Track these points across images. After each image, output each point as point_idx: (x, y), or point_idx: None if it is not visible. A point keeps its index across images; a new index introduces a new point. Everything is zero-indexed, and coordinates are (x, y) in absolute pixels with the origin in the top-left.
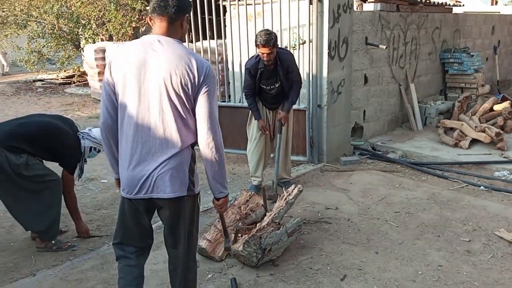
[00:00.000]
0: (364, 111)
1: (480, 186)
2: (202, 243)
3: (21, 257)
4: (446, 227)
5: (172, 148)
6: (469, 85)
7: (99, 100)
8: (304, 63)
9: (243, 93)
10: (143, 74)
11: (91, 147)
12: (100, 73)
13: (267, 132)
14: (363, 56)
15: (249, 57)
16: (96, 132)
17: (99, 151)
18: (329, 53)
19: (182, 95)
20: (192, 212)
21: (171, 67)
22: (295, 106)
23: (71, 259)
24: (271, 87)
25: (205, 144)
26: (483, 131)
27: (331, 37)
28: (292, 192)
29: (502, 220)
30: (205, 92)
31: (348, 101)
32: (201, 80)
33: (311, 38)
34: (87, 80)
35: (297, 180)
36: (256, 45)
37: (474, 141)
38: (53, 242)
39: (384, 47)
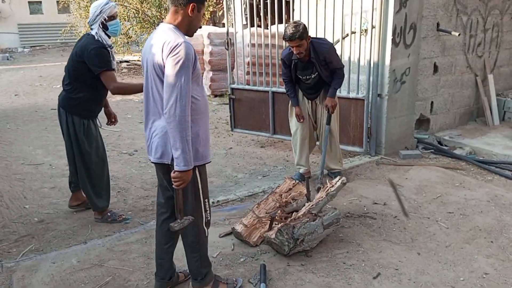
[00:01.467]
0: (432, 102)
1: None
2: (238, 227)
3: (80, 225)
4: (502, 232)
5: (160, 120)
6: None
7: None
8: (366, 50)
9: (283, 81)
10: (145, 58)
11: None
12: None
13: (302, 120)
14: (433, 43)
15: (286, 47)
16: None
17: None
18: (393, 40)
19: (159, 73)
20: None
21: (154, 50)
22: (353, 95)
23: (122, 231)
24: (307, 77)
25: (165, 112)
26: None
27: (396, 23)
28: (335, 184)
29: None
30: (168, 65)
31: (413, 91)
32: (166, 56)
33: (374, 24)
34: None
35: (349, 171)
36: (284, 39)
37: None
38: (108, 214)
39: (457, 34)
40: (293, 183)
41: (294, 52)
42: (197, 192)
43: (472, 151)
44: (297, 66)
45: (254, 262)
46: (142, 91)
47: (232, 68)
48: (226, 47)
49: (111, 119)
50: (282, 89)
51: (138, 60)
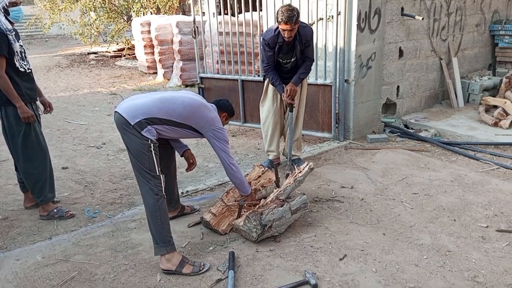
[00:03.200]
0: (398, 86)
1: None
2: (207, 216)
3: (45, 221)
4: (464, 211)
5: None
6: None
7: (145, 73)
8: (332, 36)
9: (262, 68)
10: None
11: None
12: (146, 46)
13: (294, 105)
14: (398, 28)
15: (268, 29)
16: None
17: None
18: (358, 25)
19: None
20: (138, 149)
21: None
22: (320, 81)
23: (89, 225)
24: (287, 61)
25: None
26: None
27: (361, 8)
28: (302, 170)
29: None
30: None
31: (379, 76)
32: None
33: (339, 9)
34: (135, 53)
35: (318, 157)
36: (278, 22)
37: None
38: (55, 210)
39: (421, 18)
40: (262, 170)
41: (286, 35)
42: (146, 165)
43: (437, 133)
44: (281, 49)
45: (223, 250)
46: (14, 101)
47: (202, 57)
48: (194, 36)
49: (47, 108)
50: (252, 77)
51: (107, 52)
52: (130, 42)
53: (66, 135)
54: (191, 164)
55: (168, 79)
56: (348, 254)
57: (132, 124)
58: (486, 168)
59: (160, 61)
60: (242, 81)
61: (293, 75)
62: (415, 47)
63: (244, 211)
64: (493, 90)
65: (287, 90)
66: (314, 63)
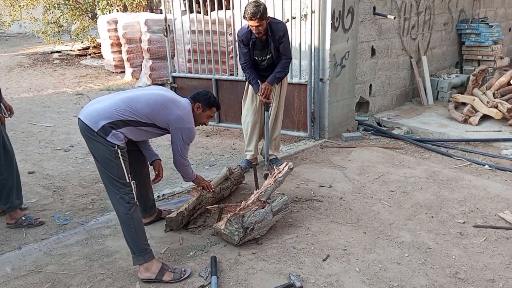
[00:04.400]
0: (371, 85)
1: (484, 165)
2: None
3: (13, 230)
4: (441, 207)
5: None
6: (486, 57)
7: (113, 72)
8: (306, 35)
9: (241, 66)
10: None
11: None
12: (113, 45)
13: (271, 104)
14: (371, 27)
15: (242, 26)
16: None
17: None
18: (332, 24)
19: None
20: (104, 156)
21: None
22: (296, 80)
23: (60, 233)
24: (263, 58)
25: None
26: (495, 107)
27: (334, 7)
28: (282, 170)
29: (502, 201)
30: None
31: (352, 75)
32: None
33: (313, 8)
34: (101, 52)
35: (295, 156)
36: (244, 18)
37: (485, 117)
38: (23, 218)
39: (393, 17)
40: (230, 171)
41: (254, 31)
42: (115, 172)
43: (409, 131)
44: (255, 46)
45: (204, 254)
46: None
47: (173, 56)
48: (165, 34)
49: (7, 111)
50: (226, 77)
51: (71, 50)
52: (95, 40)
53: (31, 138)
54: (157, 176)
55: (136, 78)
56: (331, 254)
57: (96, 130)
58: (459, 164)
59: (128, 60)
60: (216, 80)
61: (271, 74)
62: (387, 46)
63: (224, 214)
64: (461, 88)
65: (261, 89)
66: None
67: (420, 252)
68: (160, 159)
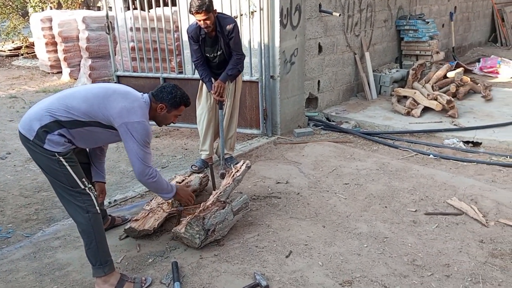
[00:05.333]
0: (319, 81)
1: (429, 155)
2: (131, 224)
3: None
4: (393, 197)
5: None
6: (424, 52)
7: (48, 73)
8: (255, 32)
9: (193, 64)
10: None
11: None
12: (48, 44)
13: (224, 102)
14: (317, 24)
15: (192, 23)
16: None
17: None
18: (281, 21)
19: None
20: (48, 166)
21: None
22: (247, 77)
23: (3, 248)
24: (214, 54)
25: None
26: (435, 99)
27: (282, 4)
28: (240, 168)
29: (449, 189)
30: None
31: (301, 71)
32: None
33: (262, 5)
34: (34, 52)
35: (249, 154)
36: (190, 12)
37: (426, 109)
38: None
39: (338, 14)
40: (185, 176)
41: (202, 26)
42: (64, 180)
43: (357, 124)
44: (205, 42)
45: (164, 261)
46: None
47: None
48: (107, 32)
49: None
50: (174, 75)
51: (1, 50)
52: (28, 40)
53: None
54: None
55: (75, 79)
56: (294, 250)
57: (31, 139)
58: (406, 155)
59: (65, 59)
60: (165, 79)
61: (223, 70)
62: (332, 42)
63: (183, 217)
64: (401, 82)
65: (214, 87)
66: None
67: (377, 242)
68: (104, 182)
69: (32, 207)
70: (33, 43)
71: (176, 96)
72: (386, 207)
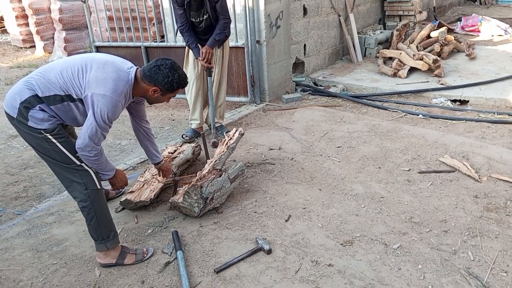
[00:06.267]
0: (305, 45)
1: (418, 115)
2: (128, 196)
3: None
4: (386, 158)
5: None
6: (407, 12)
7: (21, 48)
8: None
9: (177, 30)
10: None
11: None
12: (18, 17)
13: (212, 68)
14: None
15: None
16: None
17: None
18: None
19: None
20: (38, 144)
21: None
22: (232, 43)
23: None
24: (200, 19)
25: None
26: (421, 59)
27: None
28: (233, 136)
29: (440, 147)
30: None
31: (287, 35)
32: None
33: None
34: (4, 26)
35: (239, 122)
36: None
37: (412, 70)
38: None
39: None
40: (177, 146)
41: None
42: (56, 157)
43: (345, 88)
44: (191, 6)
45: (163, 231)
46: None
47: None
48: (83, 0)
49: None
50: (157, 44)
51: None
52: None
53: None
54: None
55: (49, 52)
56: (292, 214)
57: (15, 117)
58: (395, 116)
59: (37, 32)
60: (146, 48)
61: (211, 37)
62: (317, 4)
63: (180, 186)
64: (386, 43)
65: (202, 53)
66: None
67: (374, 202)
68: (161, 160)
69: (20, 184)
70: (2, 17)
71: (173, 80)
72: (380, 167)
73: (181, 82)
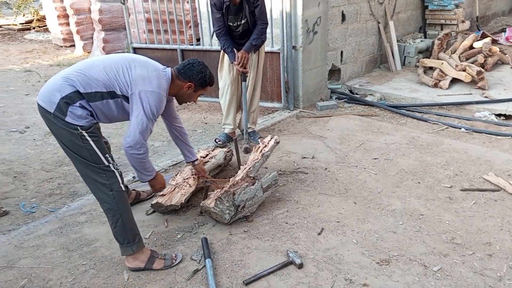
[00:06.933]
0: (342, 51)
1: (460, 128)
2: (157, 199)
3: None
4: (426, 172)
5: None
6: (449, 21)
7: (61, 46)
8: (277, 1)
9: (214, 34)
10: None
11: None
12: (60, 17)
13: (247, 73)
14: None
15: None
16: None
17: None
18: None
19: None
20: (70, 141)
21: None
22: (268, 49)
23: (29, 222)
24: (237, 23)
25: None
26: (464, 70)
27: None
28: (268, 143)
29: (484, 164)
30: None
31: (324, 41)
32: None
33: None
34: (46, 25)
35: (272, 128)
36: None
37: (454, 81)
38: None
39: None
40: (209, 150)
41: None
42: (86, 155)
43: (382, 97)
44: (229, 10)
45: (193, 236)
46: None
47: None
48: (122, 1)
49: None
50: (193, 47)
51: (13, 24)
52: (38, 13)
53: None
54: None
55: (88, 52)
56: (325, 227)
57: (52, 111)
58: (436, 128)
59: (77, 32)
60: (182, 50)
61: (247, 41)
62: (356, 10)
63: (211, 191)
64: (426, 52)
65: (237, 58)
66: None
67: (413, 219)
68: (197, 159)
69: (55, 181)
70: (44, 16)
71: (205, 75)
72: (419, 182)
73: (211, 78)
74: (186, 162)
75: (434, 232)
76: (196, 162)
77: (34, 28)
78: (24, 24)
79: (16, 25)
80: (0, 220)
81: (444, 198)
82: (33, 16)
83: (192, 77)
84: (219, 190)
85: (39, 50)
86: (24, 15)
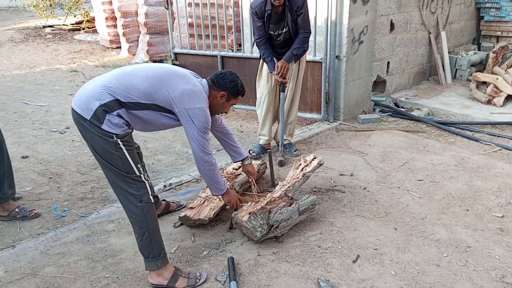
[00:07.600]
0: (388, 62)
1: None
2: (185, 212)
3: (6, 224)
4: (476, 199)
5: None
6: (506, 33)
7: (108, 48)
8: (322, 8)
9: (254, 42)
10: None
11: None
12: (108, 19)
13: (286, 83)
14: None
15: None
16: None
17: None
18: None
19: None
20: (104, 149)
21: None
22: (309, 57)
23: (58, 227)
24: (279, 32)
25: None
26: None
27: None
28: (310, 163)
29: None
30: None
31: (370, 51)
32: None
33: None
34: (95, 26)
35: (309, 140)
36: None
37: (509, 98)
38: (16, 210)
39: None
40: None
41: (273, 1)
42: (119, 164)
43: (430, 112)
44: (270, 19)
45: (219, 254)
46: None
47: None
48: (166, 6)
49: None
50: (233, 53)
51: (64, 24)
52: (89, 14)
53: (24, 118)
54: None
55: (133, 54)
56: (361, 255)
57: (88, 118)
58: (488, 150)
59: (124, 34)
60: (222, 57)
61: (287, 50)
62: (406, 20)
63: (244, 203)
64: (479, 66)
65: (277, 67)
66: None
67: (459, 252)
68: (246, 157)
69: (88, 185)
70: (94, 17)
71: (237, 84)
72: (467, 210)
73: (243, 87)
74: (234, 162)
75: (482, 267)
76: (246, 162)
77: (83, 29)
78: (75, 25)
79: (66, 25)
80: (31, 223)
81: (495, 229)
82: (83, 17)
83: (225, 86)
84: (253, 203)
85: (87, 51)
86: (75, 16)
